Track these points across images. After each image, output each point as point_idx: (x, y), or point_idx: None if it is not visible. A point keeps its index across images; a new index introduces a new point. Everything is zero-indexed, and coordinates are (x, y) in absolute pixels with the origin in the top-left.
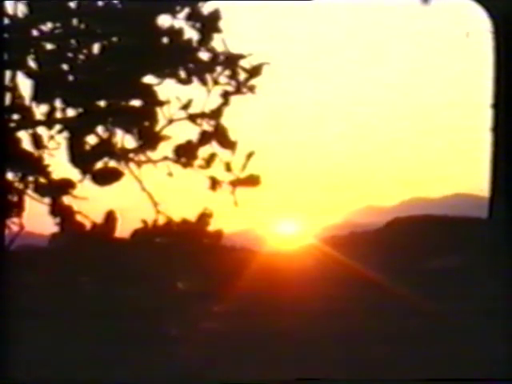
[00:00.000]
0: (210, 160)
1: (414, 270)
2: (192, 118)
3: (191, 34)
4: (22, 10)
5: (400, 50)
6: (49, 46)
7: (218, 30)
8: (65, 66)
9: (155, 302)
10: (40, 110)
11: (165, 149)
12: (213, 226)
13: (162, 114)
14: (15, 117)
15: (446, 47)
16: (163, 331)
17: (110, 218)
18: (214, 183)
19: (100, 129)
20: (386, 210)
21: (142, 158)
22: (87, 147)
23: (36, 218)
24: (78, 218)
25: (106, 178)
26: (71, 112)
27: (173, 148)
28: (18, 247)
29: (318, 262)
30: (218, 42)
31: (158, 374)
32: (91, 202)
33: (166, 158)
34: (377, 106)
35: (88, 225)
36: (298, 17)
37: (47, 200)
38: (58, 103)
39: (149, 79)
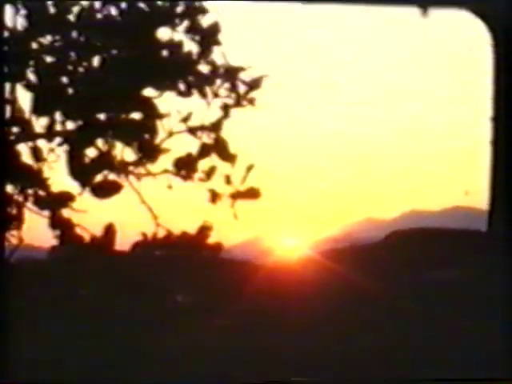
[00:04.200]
0: (209, 173)
1: (414, 282)
2: (192, 130)
3: (191, 46)
4: (21, 22)
5: (399, 62)
6: (48, 59)
7: (217, 43)
8: (64, 79)
9: (155, 315)
10: (39, 123)
11: (165, 162)
12: (213, 238)
13: (162, 126)
14: (15, 129)
15: (445, 60)
16: (163, 344)
17: (110, 230)
18: (214, 196)
19: (100, 141)
20: (386, 223)
21: (141, 170)
22: (87, 160)
23: (35, 230)
24: (78, 230)
25: (106, 190)
26: (71, 125)
27: (173, 161)
28: (17, 260)
29: (317, 275)
30: (217, 55)
31: None
32: (91, 214)
33: (165, 171)
34: (376, 118)
35: (87, 237)
36: (300, 30)
37: (47, 213)
38: (57, 116)
39: (148, 92)
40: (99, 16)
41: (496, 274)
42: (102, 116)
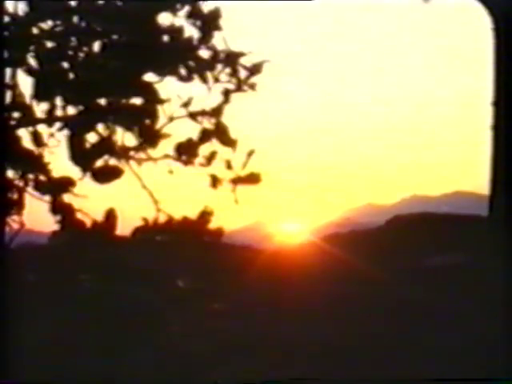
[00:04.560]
0: (210, 158)
1: (415, 267)
2: (193, 115)
3: (192, 31)
4: (22, 7)
5: (400, 48)
6: (49, 44)
7: (218, 28)
8: (65, 64)
9: (156, 300)
10: (40, 108)
11: (165, 147)
12: (214, 223)
13: (163, 111)
14: (15, 115)
15: (446, 45)
16: (164, 329)
17: (111, 215)
18: (215, 181)
19: (100, 126)
20: (387, 208)
21: (142, 155)
22: (87, 145)
23: (36, 215)
24: (79, 215)
25: (107, 175)
26: (71, 110)
27: (173, 146)
28: (18, 245)
29: (318, 260)
30: (218, 40)
31: (158, 372)
32: (92, 199)
33: (166, 156)
34: (377, 104)
35: (88, 223)
36: (300, 15)
37: (47, 198)
38: (58, 101)
39: (149, 77)
40: (100, 1)
41: (497, 257)
42: (102, 101)
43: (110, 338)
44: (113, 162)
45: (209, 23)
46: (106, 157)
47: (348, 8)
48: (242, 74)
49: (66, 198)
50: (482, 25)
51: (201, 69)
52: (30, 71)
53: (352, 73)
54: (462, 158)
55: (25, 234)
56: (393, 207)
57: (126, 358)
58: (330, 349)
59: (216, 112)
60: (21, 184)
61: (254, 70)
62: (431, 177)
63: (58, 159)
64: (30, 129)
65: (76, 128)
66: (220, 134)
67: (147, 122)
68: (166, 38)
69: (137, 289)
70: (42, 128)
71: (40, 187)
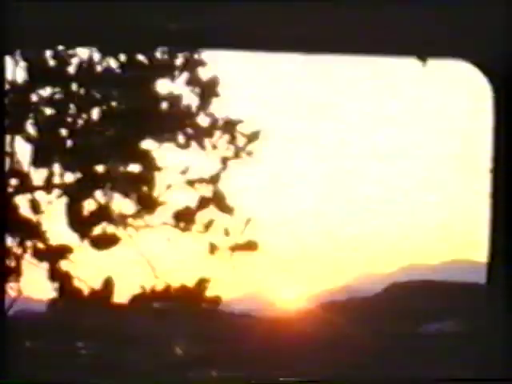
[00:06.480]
0: (208, 225)
1: (413, 334)
2: (190, 183)
3: (190, 98)
4: (21, 74)
5: (398, 111)
6: (48, 111)
7: (216, 95)
8: (64, 131)
9: (154, 368)
10: (38, 175)
11: (163, 213)
12: (211, 291)
13: (160, 179)
14: (14, 182)
15: (444, 110)
16: None
17: (108, 283)
18: (213, 248)
19: (98, 194)
20: (385, 277)
21: (140, 223)
22: (85, 212)
23: (34, 283)
24: (76, 283)
25: (104, 242)
26: (69, 177)
27: (171, 213)
28: (16, 312)
29: (317, 327)
30: (216, 107)
31: None
32: (89, 266)
33: (164, 224)
34: (374, 172)
35: (86, 290)
36: (297, 80)
37: (45, 265)
38: (56, 168)
39: (147, 144)
40: (99, 68)
41: (495, 325)
42: (100, 168)
43: None
44: (111, 229)
45: (207, 90)
46: (103, 224)
47: (345, 69)
48: (240, 141)
49: (64, 265)
50: (481, 90)
51: (199, 136)
52: (28, 138)
53: (350, 139)
54: (460, 226)
55: (23, 301)
56: (390, 275)
57: None
58: None
59: (213, 179)
60: (19, 251)
61: (252, 137)
62: (429, 245)
63: (56, 226)
64: (28, 196)
65: (74, 195)
66: (217, 201)
67: (145, 189)
68: (164, 104)
69: (135, 356)
70: (40, 195)
71: (38, 254)
